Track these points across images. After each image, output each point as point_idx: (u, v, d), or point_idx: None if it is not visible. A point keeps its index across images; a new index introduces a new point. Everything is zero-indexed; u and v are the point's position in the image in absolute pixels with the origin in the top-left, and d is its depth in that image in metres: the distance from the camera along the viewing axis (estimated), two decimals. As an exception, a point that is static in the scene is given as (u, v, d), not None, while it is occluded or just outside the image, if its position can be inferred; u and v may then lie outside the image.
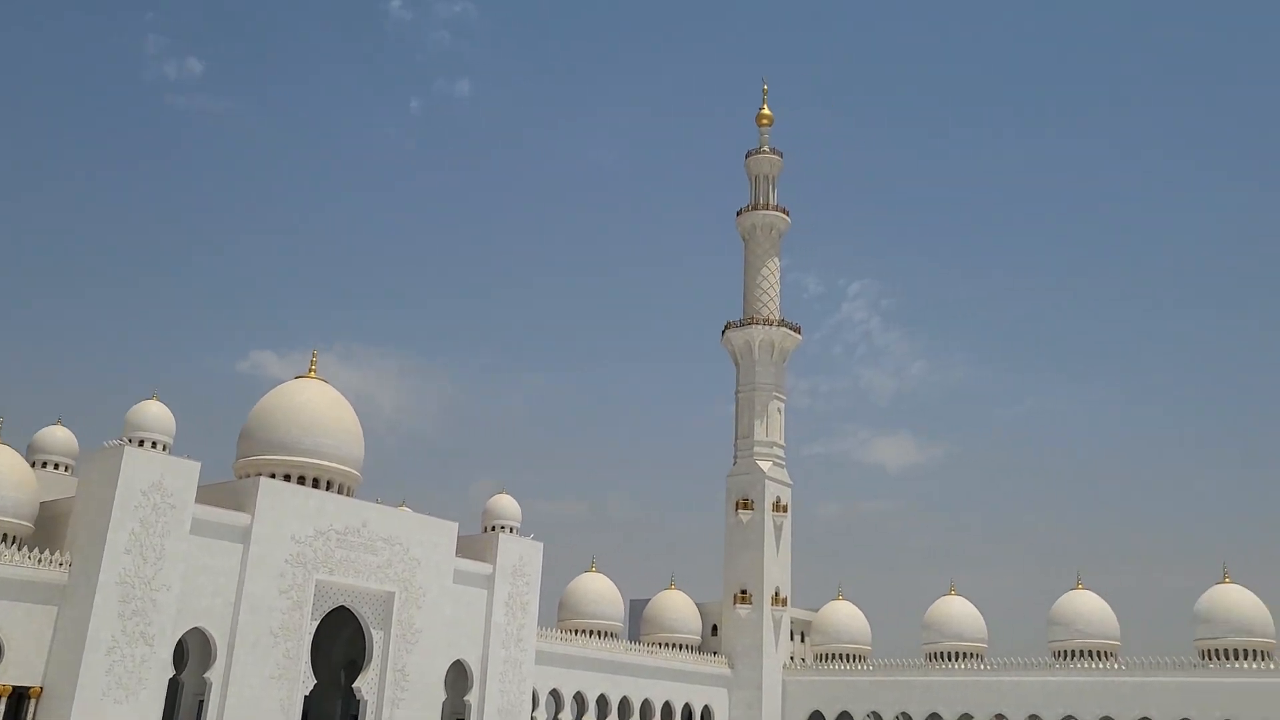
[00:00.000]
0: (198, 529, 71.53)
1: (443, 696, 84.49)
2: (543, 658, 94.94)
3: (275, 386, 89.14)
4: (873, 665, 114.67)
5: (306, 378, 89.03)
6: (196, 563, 71.22)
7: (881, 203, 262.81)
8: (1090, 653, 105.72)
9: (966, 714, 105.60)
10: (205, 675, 71.81)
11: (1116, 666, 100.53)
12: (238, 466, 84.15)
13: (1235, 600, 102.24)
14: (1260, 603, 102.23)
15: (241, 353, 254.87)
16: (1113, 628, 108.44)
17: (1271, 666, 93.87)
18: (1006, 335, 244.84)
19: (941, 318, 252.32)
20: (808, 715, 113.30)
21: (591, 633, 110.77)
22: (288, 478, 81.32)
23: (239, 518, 73.97)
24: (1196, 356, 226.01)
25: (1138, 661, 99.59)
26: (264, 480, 76.42)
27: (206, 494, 74.03)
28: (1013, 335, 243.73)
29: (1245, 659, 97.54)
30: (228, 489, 77.20)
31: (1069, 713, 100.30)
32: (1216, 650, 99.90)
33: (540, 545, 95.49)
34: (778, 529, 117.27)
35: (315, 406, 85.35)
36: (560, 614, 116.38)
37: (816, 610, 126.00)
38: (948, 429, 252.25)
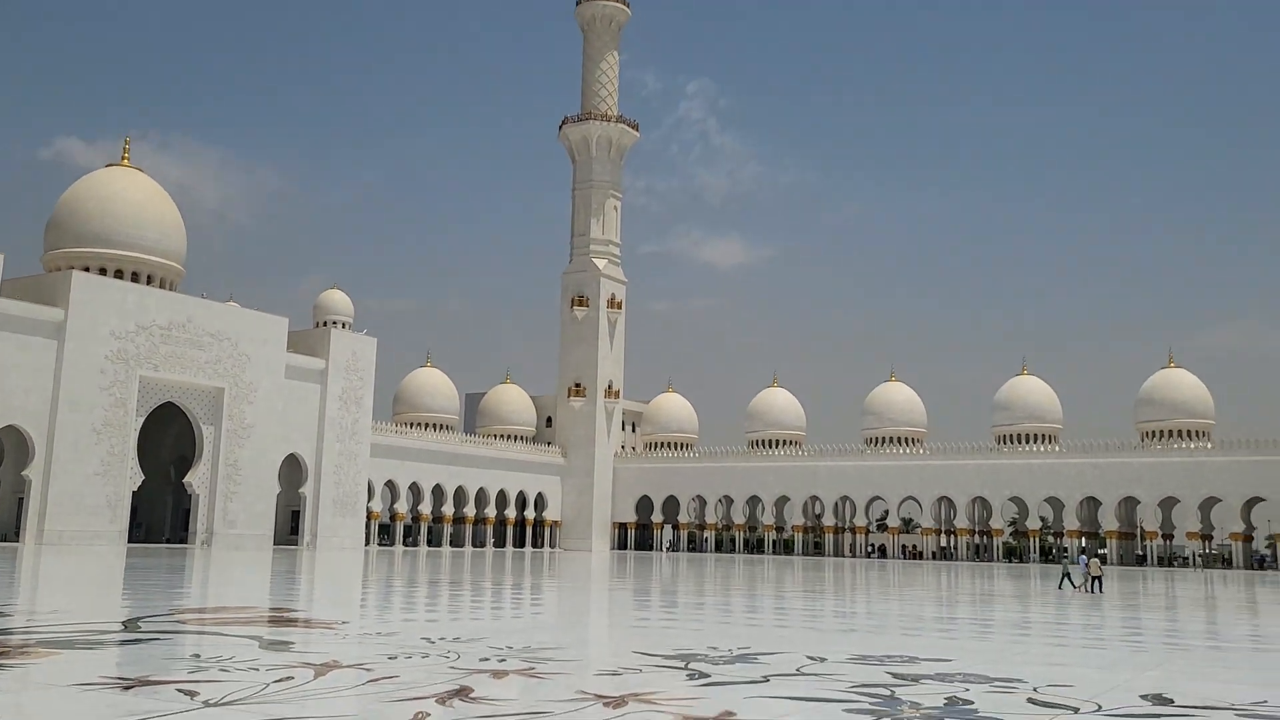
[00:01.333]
0: (4, 324, 68.37)
1: (277, 489, 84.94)
2: (378, 450, 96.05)
3: (84, 175, 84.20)
4: (698, 453, 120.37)
5: (119, 166, 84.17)
6: (6, 360, 68.39)
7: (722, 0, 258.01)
8: (901, 439, 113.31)
9: (784, 496, 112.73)
10: (24, 473, 70.13)
11: (923, 451, 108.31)
12: (46, 260, 79.89)
13: (1030, 390, 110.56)
14: (1052, 392, 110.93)
15: (44, 138, 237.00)
16: (921, 416, 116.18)
17: (1057, 449, 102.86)
18: (837, 140, 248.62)
19: (776, 120, 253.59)
20: (636, 500, 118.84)
21: (427, 426, 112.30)
22: (104, 271, 77.82)
23: (51, 313, 70.84)
24: (1008, 160, 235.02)
25: (941, 446, 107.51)
26: (77, 274, 72.99)
27: (12, 288, 70.36)
28: (842, 140, 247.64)
29: (1036, 442, 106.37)
30: (36, 283, 73.48)
31: (878, 494, 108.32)
32: (1012, 435, 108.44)
33: (374, 340, 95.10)
34: (612, 325, 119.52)
35: (131, 196, 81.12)
36: (396, 408, 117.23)
37: (647, 402, 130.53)
38: (777, 230, 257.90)
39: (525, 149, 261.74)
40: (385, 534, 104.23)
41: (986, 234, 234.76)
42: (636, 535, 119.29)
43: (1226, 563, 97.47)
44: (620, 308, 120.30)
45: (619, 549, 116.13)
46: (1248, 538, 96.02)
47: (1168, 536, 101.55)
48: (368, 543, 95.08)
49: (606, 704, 9.02)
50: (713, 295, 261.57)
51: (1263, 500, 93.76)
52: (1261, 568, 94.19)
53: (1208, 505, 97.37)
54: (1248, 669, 14.26)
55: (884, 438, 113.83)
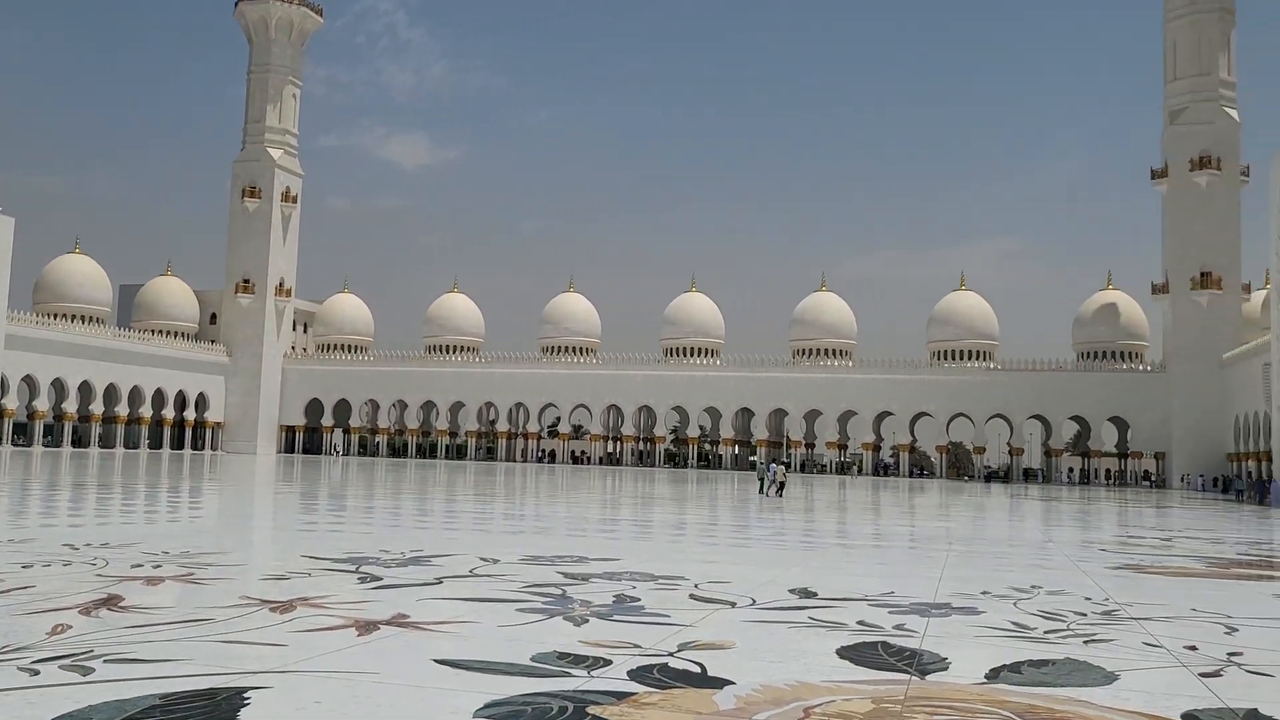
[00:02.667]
0: None
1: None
2: (15, 342, 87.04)
3: None
4: (374, 356, 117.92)
5: None
6: None
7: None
8: (576, 349, 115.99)
9: (460, 402, 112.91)
10: None
11: (595, 361, 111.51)
12: None
13: (698, 306, 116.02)
14: (717, 309, 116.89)
15: None
16: (596, 327, 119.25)
17: (718, 362, 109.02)
18: (530, 43, 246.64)
19: (469, 20, 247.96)
20: (306, 403, 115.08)
21: (74, 317, 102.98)
22: None
23: None
24: (692, 78, 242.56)
25: (612, 357, 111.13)
26: None
27: None
28: (536, 44, 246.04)
29: (700, 356, 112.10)
30: None
31: (551, 401, 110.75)
32: (679, 348, 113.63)
33: (11, 221, 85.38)
34: (286, 219, 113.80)
35: None
36: (37, 296, 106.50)
37: (321, 302, 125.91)
38: (464, 132, 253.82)
39: (198, 24, 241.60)
40: (21, 434, 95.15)
41: (665, 152, 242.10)
42: (305, 439, 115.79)
43: (858, 470, 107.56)
44: (295, 202, 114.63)
45: (286, 453, 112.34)
46: (876, 447, 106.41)
47: (810, 445, 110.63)
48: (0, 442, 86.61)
49: (273, 609, 8.70)
50: (395, 195, 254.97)
51: (891, 414, 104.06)
52: (885, 474, 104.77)
53: (846, 416, 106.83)
54: (878, 564, 15.83)
55: (560, 346, 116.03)
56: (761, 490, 41.96)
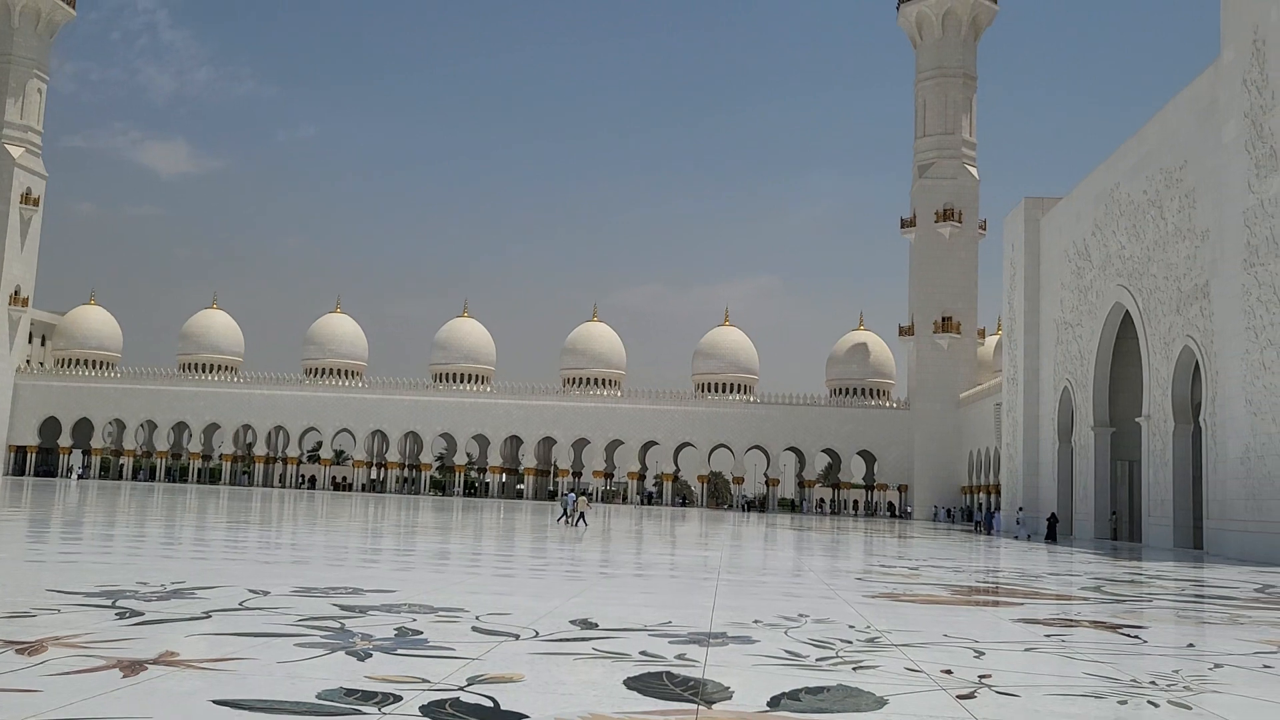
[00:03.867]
0: None
1: None
2: None
3: None
4: (121, 373, 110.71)
5: None
6: None
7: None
8: (342, 371, 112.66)
9: (214, 423, 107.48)
10: None
11: (361, 384, 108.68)
12: None
13: (469, 332, 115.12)
14: (488, 335, 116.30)
15: None
16: (362, 349, 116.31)
17: (489, 389, 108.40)
18: (300, 54, 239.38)
19: (236, 27, 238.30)
20: (41, 421, 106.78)
21: None
22: None
23: None
24: (471, 101, 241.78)
25: (380, 380, 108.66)
26: None
27: None
28: (307, 55, 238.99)
29: (471, 382, 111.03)
30: None
31: (313, 424, 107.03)
32: (449, 374, 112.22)
33: None
34: (25, 223, 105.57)
35: None
36: None
37: (64, 314, 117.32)
38: (228, 142, 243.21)
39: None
40: None
41: (437, 174, 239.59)
42: (38, 461, 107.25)
43: (623, 499, 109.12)
44: (37, 205, 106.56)
45: (15, 475, 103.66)
46: (641, 476, 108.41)
47: (577, 474, 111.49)
48: None
49: (20, 650, 8.05)
50: (149, 203, 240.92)
51: (656, 444, 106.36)
52: (649, 502, 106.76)
53: (613, 445, 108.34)
54: (653, 594, 16.15)
55: (325, 369, 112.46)
56: (564, 519, 41.79)
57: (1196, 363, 45.47)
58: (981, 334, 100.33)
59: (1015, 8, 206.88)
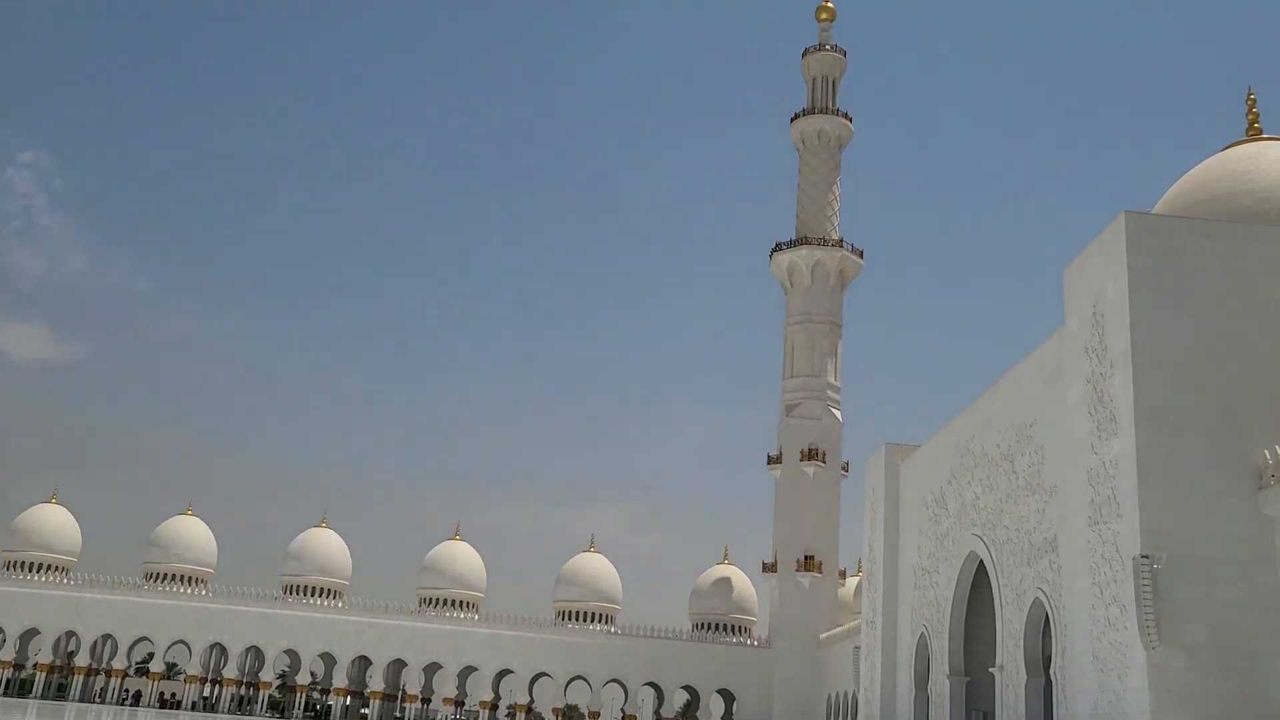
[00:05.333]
0: None
1: None
2: None
3: None
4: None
5: None
6: None
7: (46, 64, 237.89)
8: (186, 578, 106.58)
9: (34, 629, 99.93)
10: None
11: (204, 593, 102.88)
12: None
13: (324, 543, 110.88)
14: (345, 548, 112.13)
15: None
16: (211, 555, 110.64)
17: (340, 605, 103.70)
18: (180, 253, 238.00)
19: (115, 219, 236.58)
20: None
21: None
22: None
23: None
24: (335, 313, 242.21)
25: (224, 590, 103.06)
26: None
27: None
28: (187, 254, 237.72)
29: (322, 596, 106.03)
30: None
31: (146, 634, 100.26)
32: (300, 586, 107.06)
33: None
34: None
35: None
36: None
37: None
38: (93, 330, 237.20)
39: None
40: None
41: (304, 385, 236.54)
42: None
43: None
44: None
45: None
46: (494, 705, 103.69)
47: (426, 700, 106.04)
48: None
49: None
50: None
51: (511, 672, 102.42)
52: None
53: (466, 672, 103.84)
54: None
55: (167, 574, 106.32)
56: None
57: (1047, 615, 46.43)
58: (843, 575, 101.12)
59: (881, 264, 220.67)
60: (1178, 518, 37.88)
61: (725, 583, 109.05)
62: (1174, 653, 36.57)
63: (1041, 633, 48.17)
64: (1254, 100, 53.56)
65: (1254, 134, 52.46)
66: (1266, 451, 38.18)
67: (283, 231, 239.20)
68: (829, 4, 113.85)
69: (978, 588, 56.80)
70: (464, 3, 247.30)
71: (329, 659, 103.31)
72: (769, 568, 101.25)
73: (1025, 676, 48.13)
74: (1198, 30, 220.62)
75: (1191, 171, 52.47)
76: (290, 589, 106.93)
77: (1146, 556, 36.90)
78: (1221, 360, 39.65)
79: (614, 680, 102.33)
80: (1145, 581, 36.50)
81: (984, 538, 53.84)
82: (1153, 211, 49.83)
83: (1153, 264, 40.43)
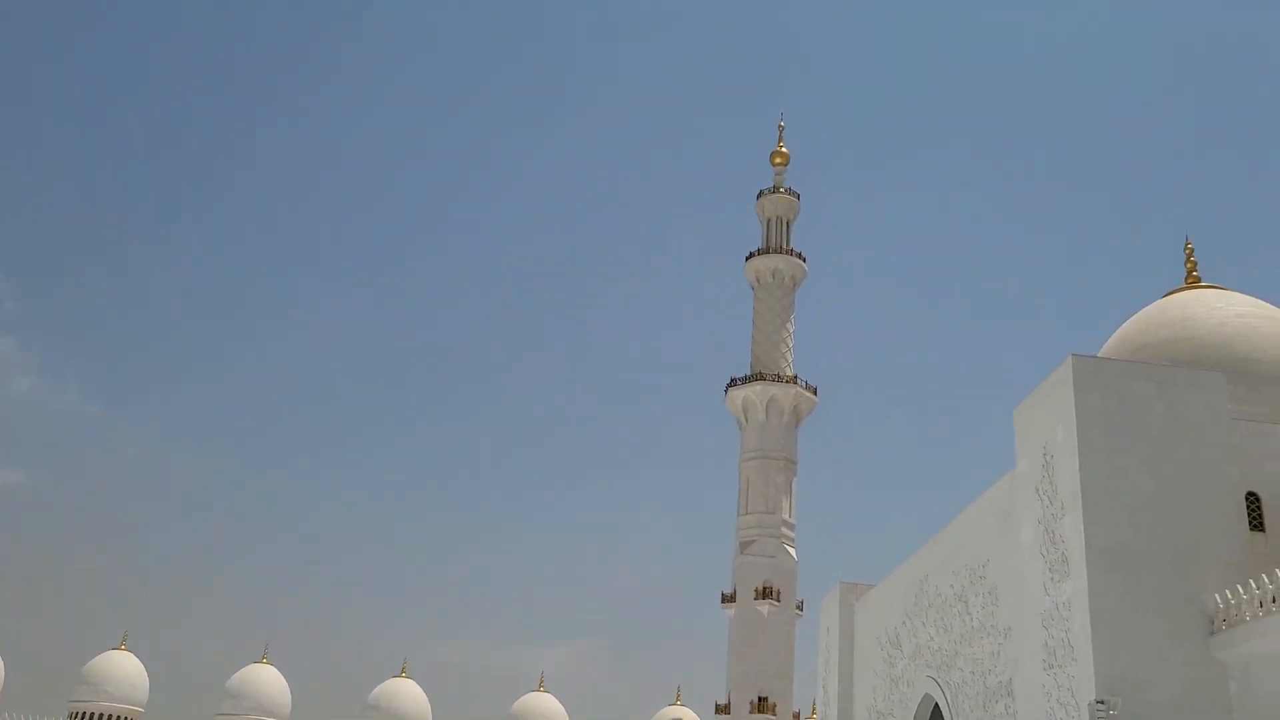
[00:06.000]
0: None
1: None
2: None
3: None
4: None
5: None
6: None
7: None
8: (115, 716, 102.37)
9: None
10: None
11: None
12: None
13: (265, 679, 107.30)
14: (285, 685, 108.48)
15: None
16: (143, 692, 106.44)
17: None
18: (131, 377, 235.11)
19: (71, 340, 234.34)
20: None
21: None
22: None
23: None
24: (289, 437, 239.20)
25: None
26: None
27: None
28: (136, 379, 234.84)
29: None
30: None
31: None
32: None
33: None
34: None
35: None
36: None
37: None
38: (37, 455, 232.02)
39: None
40: None
41: (245, 511, 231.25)
42: None
43: None
44: None
45: None
46: None
47: None
48: None
49: None
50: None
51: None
52: None
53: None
54: None
55: (95, 712, 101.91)
56: None
57: (1004, 762, 45.52)
58: (797, 717, 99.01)
59: (834, 401, 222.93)
60: (1132, 662, 37.66)
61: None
62: (1132, 802, 35.89)
63: (999, 780, 47.16)
64: (1192, 249, 55.52)
65: (1192, 281, 54.18)
66: (1217, 595, 38.28)
67: (237, 370, 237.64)
68: (783, 149, 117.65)
69: (934, 732, 55.78)
70: (424, 165, 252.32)
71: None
72: (722, 709, 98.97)
73: (983, 826, 46.91)
74: (1139, 180, 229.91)
75: (1135, 317, 53.90)
76: (80, 715, 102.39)
77: (1102, 702, 36.49)
78: (1170, 503, 40.04)
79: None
80: (1102, 728, 36.04)
81: (939, 680, 53.10)
82: (1099, 355, 50.91)
83: (1101, 406, 41.11)
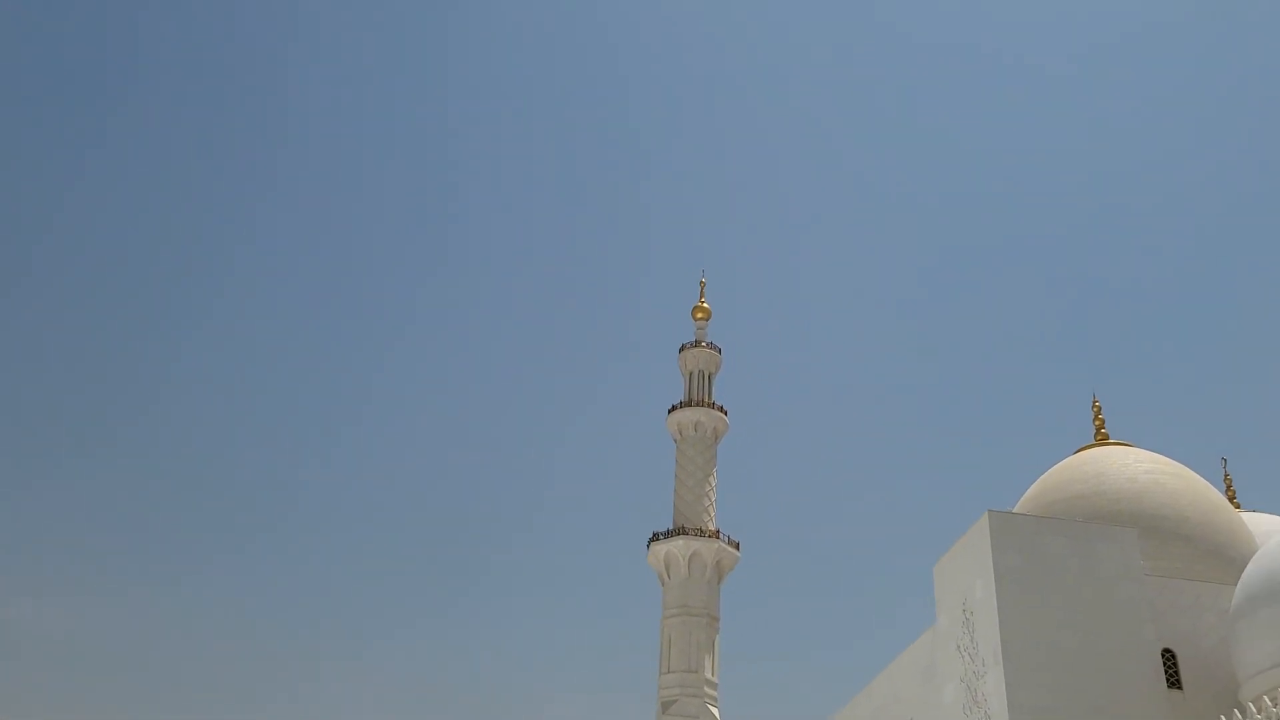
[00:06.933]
0: None
1: None
2: None
3: None
4: None
5: None
6: None
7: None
8: None
9: None
10: None
11: None
12: None
13: None
14: None
15: None
16: None
17: None
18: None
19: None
20: None
21: None
22: None
23: None
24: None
25: None
26: None
27: None
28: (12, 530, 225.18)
29: None
30: None
31: None
32: None
33: None
34: None
35: None
36: None
37: None
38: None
39: None
40: None
41: (137, 676, 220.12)
42: None
43: None
44: None
45: None
46: None
47: None
48: None
49: None
50: None
51: None
52: None
53: None
54: None
55: None
56: None
57: None
58: None
59: (756, 557, 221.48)
60: (1058, 825, 36.96)
61: None
62: None
63: None
64: (1099, 407, 57.09)
65: (1101, 438, 55.53)
66: (1137, 754, 38.02)
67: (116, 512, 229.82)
68: (704, 304, 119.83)
69: None
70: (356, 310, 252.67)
71: None
72: None
73: None
74: (1048, 338, 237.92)
75: (1047, 473, 54.88)
76: None
77: None
78: (1089, 660, 40.10)
79: None
80: None
81: (866, 847, 51.54)
82: (1015, 510, 51.56)
83: (1018, 562, 41.42)
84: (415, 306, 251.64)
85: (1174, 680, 41.45)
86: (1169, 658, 41.80)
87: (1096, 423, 56.51)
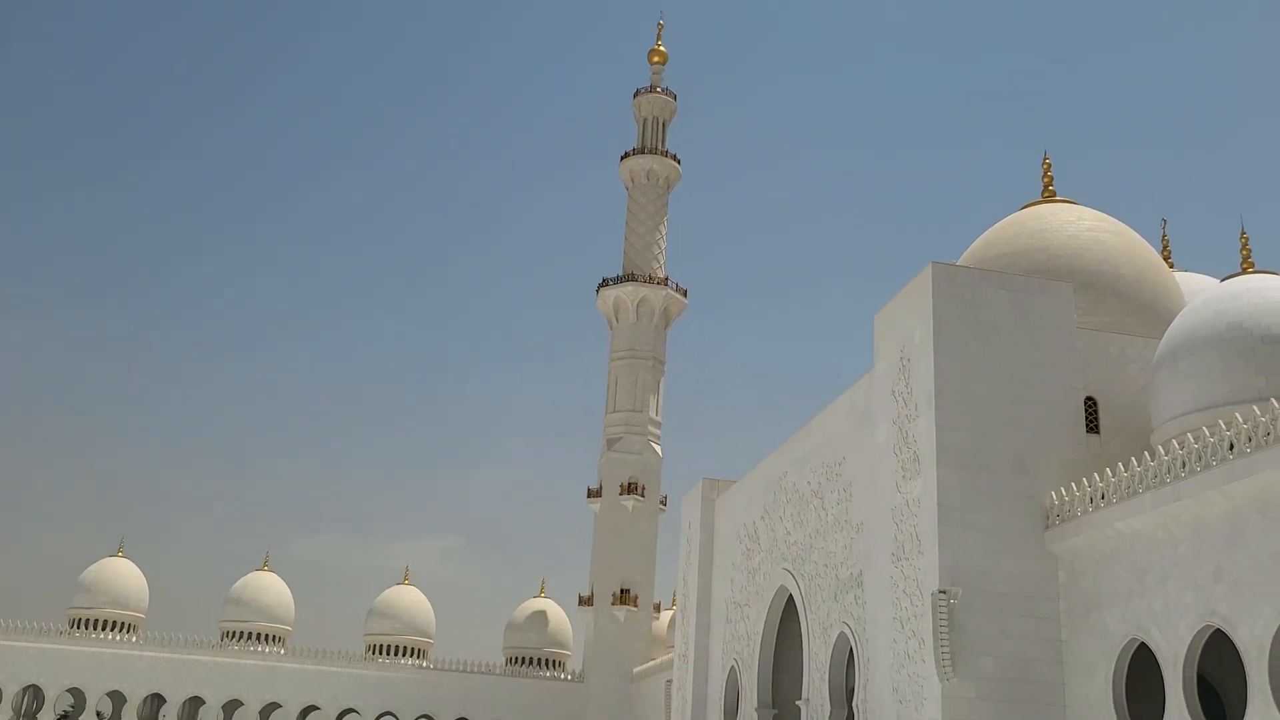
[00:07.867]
0: None
1: None
2: None
3: None
4: None
5: None
6: None
7: None
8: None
9: None
10: None
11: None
12: None
13: (120, 573, 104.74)
14: (142, 578, 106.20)
15: None
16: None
17: (134, 639, 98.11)
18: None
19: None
20: None
21: None
22: None
23: None
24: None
25: (4, 625, 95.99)
26: None
27: None
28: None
29: (114, 630, 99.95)
30: None
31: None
32: (91, 620, 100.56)
33: None
34: None
35: None
36: None
37: None
38: None
39: None
40: None
41: (101, 400, 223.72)
42: None
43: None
44: None
45: None
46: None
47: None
48: None
49: None
50: None
51: (318, 709, 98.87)
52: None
53: (269, 709, 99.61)
54: None
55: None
56: None
57: (852, 649, 47.98)
58: (657, 608, 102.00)
59: (703, 303, 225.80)
60: (973, 555, 39.86)
61: (540, 616, 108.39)
62: (966, 684, 38.31)
63: (846, 666, 49.69)
64: (1049, 164, 57.37)
65: (1048, 195, 56.12)
66: (1052, 493, 40.64)
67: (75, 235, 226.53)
68: (661, 47, 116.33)
69: (786, 620, 58.22)
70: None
71: (118, 698, 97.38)
72: (585, 601, 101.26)
73: (830, 709, 49.51)
74: (1002, 97, 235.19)
75: (992, 228, 55.71)
76: (79, 622, 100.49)
77: (944, 592, 38.63)
78: (1015, 406, 42.10)
79: (424, 716, 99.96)
80: (942, 616, 38.17)
81: (794, 572, 55.31)
82: (958, 263, 52.63)
83: (956, 313, 42.70)
84: (390, 56, 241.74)
85: (1093, 425, 43.78)
86: (1090, 405, 43.98)
87: (1045, 179, 56.94)
